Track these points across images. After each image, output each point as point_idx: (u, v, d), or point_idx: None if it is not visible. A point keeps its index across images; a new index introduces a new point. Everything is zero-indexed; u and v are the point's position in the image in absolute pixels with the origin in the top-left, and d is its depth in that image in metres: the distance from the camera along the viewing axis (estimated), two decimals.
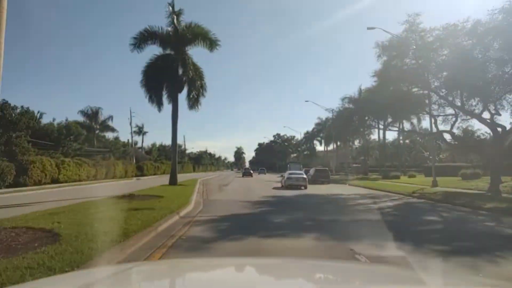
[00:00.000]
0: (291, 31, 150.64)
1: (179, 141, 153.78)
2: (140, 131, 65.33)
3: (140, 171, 51.52)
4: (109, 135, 54.84)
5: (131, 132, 53.96)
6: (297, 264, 2.67)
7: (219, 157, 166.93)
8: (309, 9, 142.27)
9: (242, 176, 54.45)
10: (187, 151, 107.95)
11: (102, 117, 50.88)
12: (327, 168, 37.25)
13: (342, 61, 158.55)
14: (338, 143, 59.75)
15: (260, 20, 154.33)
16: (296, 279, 2.15)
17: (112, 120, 52.55)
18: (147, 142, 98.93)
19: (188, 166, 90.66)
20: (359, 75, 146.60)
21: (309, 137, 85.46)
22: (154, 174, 56.62)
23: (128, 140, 59.07)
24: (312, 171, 35.32)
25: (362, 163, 56.20)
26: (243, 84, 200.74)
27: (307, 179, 26.76)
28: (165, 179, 28.22)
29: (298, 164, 59.60)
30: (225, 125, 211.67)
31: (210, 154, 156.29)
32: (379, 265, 4.41)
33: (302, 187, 25.41)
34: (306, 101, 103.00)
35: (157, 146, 74.65)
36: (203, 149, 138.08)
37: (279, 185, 28.78)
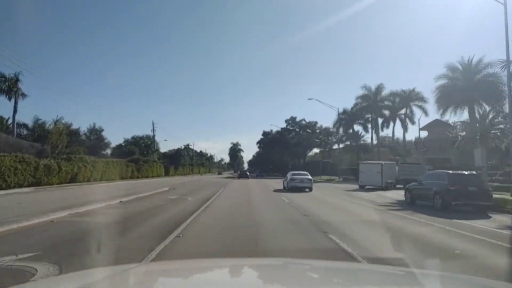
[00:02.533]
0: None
1: (146, 130, 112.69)
2: (11, 89, 29.58)
3: None
4: None
5: None
6: (297, 266, 2.58)
7: (211, 157, 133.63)
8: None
9: (238, 178, 53.98)
10: (163, 146, 75.86)
11: None
12: None
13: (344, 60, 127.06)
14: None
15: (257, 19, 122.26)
16: (296, 280, 2.06)
17: None
18: (46, 117, 61.67)
19: (156, 167, 58.15)
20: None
21: (348, 119, 52.74)
22: (30, 186, 23.96)
23: None
24: None
25: None
26: (243, 81, 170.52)
27: (312, 180, 24.91)
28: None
29: (389, 164, 29.16)
30: (224, 126, 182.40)
31: (201, 152, 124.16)
32: (377, 265, 4.15)
33: (307, 189, 23.74)
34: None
35: (67, 127, 37.72)
36: (200, 149, 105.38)
37: None
